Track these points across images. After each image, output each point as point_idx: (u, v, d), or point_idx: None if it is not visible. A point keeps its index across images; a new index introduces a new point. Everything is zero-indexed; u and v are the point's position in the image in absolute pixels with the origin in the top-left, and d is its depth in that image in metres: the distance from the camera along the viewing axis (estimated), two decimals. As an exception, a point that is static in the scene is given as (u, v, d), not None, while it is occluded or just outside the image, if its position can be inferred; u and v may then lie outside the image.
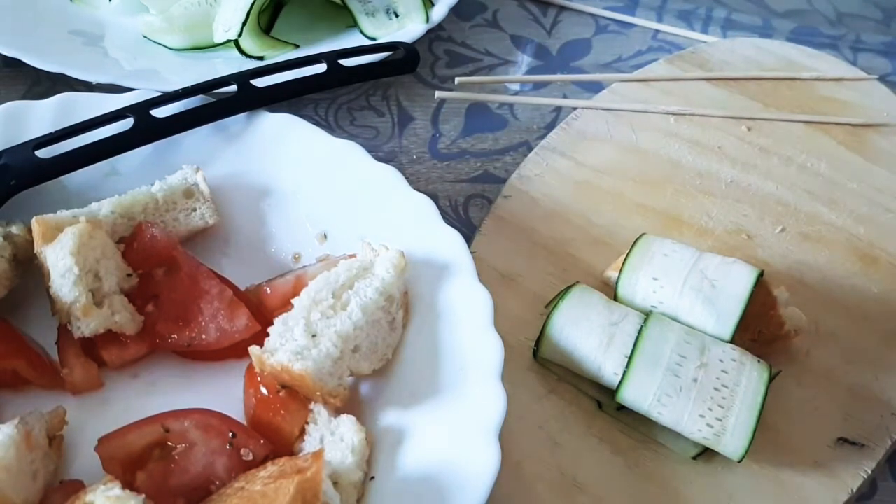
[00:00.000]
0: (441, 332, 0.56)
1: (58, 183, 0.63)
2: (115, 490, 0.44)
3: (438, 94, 0.80)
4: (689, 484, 0.56)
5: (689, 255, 0.61)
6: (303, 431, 0.54)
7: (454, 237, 0.59)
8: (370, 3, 0.85)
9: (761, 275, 0.59)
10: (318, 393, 0.52)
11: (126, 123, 0.64)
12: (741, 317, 0.57)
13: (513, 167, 0.76)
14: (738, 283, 0.58)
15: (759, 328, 0.59)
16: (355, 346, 0.54)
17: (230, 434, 0.52)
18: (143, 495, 0.45)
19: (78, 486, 0.49)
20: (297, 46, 0.84)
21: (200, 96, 0.67)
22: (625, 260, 0.62)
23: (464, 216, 0.74)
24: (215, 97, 0.67)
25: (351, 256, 0.60)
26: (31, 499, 0.48)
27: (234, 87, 0.67)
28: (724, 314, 0.57)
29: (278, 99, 0.68)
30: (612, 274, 0.63)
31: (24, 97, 0.76)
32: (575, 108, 0.81)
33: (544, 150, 0.76)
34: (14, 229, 0.59)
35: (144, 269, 0.60)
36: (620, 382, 0.55)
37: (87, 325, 0.55)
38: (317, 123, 0.67)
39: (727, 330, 0.57)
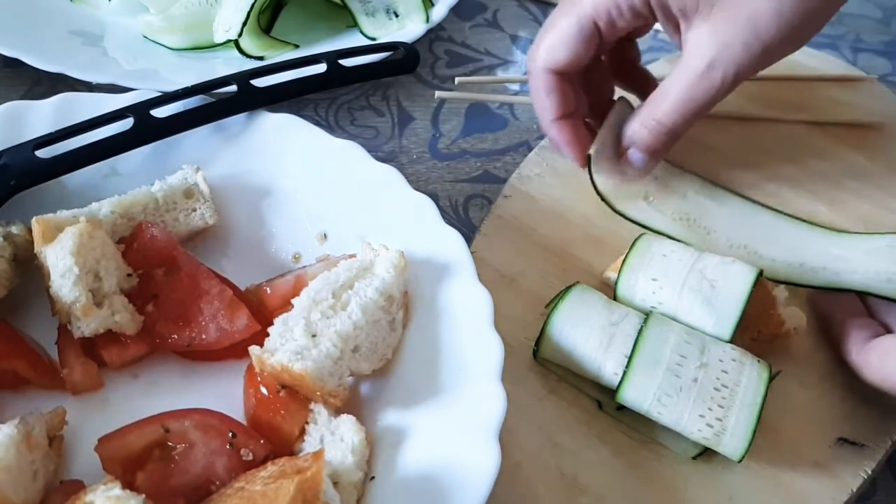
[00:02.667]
0: (441, 332, 0.56)
1: (58, 183, 0.63)
2: (116, 490, 0.44)
3: (438, 93, 0.80)
4: (689, 484, 0.56)
5: (688, 255, 0.61)
6: (303, 431, 0.54)
7: (454, 237, 0.59)
8: (370, 3, 0.85)
9: (760, 274, 0.59)
10: (318, 393, 0.52)
11: (126, 123, 0.64)
12: (740, 317, 0.57)
13: (513, 167, 0.76)
14: (736, 283, 0.58)
15: (758, 327, 0.59)
16: (355, 346, 0.54)
17: (230, 434, 0.52)
18: (143, 495, 0.45)
19: (78, 486, 0.49)
20: (297, 46, 0.84)
21: (200, 96, 0.67)
22: (624, 260, 0.62)
23: (464, 216, 0.74)
24: (215, 97, 0.67)
25: (351, 256, 0.60)
26: (32, 499, 0.48)
27: (234, 87, 0.67)
28: (724, 314, 0.57)
29: (278, 99, 0.68)
30: (611, 274, 0.63)
31: (24, 97, 0.76)
32: (575, 108, 0.80)
33: (544, 150, 0.76)
34: (14, 229, 0.59)
35: (144, 269, 0.60)
36: (620, 382, 0.55)
37: (87, 325, 0.55)
38: (317, 123, 0.67)
39: (727, 330, 0.57)
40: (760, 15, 0.56)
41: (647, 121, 0.63)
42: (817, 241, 0.67)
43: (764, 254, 0.66)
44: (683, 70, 0.59)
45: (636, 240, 0.63)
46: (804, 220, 0.69)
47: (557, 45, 0.63)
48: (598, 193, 0.69)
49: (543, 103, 0.67)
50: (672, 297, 0.59)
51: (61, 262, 0.54)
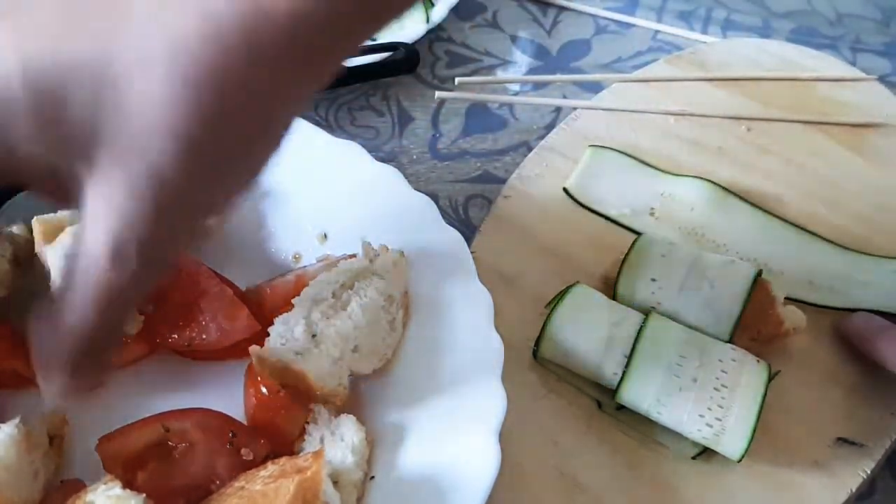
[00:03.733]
0: (441, 332, 0.56)
1: (58, 183, 0.63)
2: (116, 490, 0.44)
3: (438, 94, 0.80)
4: (688, 484, 0.56)
5: (687, 254, 0.61)
6: (303, 431, 0.54)
7: (454, 237, 0.59)
8: (370, 3, 0.85)
9: (759, 274, 0.59)
10: (318, 393, 0.52)
11: (126, 123, 0.64)
12: (740, 316, 0.57)
13: (513, 167, 0.76)
14: (736, 282, 0.58)
15: (757, 327, 0.59)
16: (355, 346, 0.54)
17: (230, 434, 0.52)
18: (144, 495, 0.45)
19: (79, 486, 0.49)
20: (297, 46, 0.84)
21: (201, 96, 0.66)
22: (623, 260, 0.62)
23: (464, 216, 0.74)
24: (215, 97, 0.67)
25: (351, 256, 0.60)
26: (32, 498, 0.48)
27: (234, 88, 0.67)
28: (723, 314, 0.57)
29: (278, 99, 0.68)
30: (612, 275, 0.63)
31: (24, 97, 0.76)
32: (575, 109, 0.81)
33: (544, 150, 0.76)
34: (15, 229, 0.59)
35: (145, 269, 0.60)
36: (620, 382, 0.56)
37: None
38: (317, 123, 0.67)
39: (726, 330, 0.57)
40: (157, 151, 0.33)
41: (61, 327, 0.38)
42: (832, 258, 0.67)
43: (774, 268, 0.66)
44: (84, 262, 0.36)
45: (635, 240, 0.63)
46: (818, 235, 0.69)
47: None
48: (565, 190, 0.71)
49: None
50: (671, 297, 0.59)
51: (61, 262, 0.54)
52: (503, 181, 0.75)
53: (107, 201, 0.35)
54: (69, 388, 0.40)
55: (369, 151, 0.64)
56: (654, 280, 0.60)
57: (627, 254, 0.62)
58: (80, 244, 0.36)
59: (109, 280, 0.36)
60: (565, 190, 0.72)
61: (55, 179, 0.36)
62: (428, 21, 0.85)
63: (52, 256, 0.55)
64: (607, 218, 0.71)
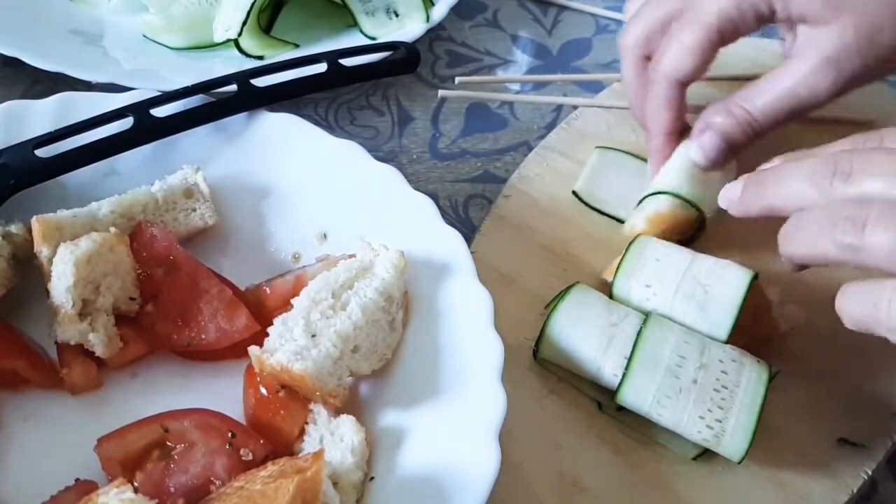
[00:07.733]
0: (441, 332, 0.56)
1: (57, 182, 0.63)
2: (128, 493, 0.44)
3: (441, 92, 0.79)
4: (689, 485, 0.56)
5: (682, 259, 0.60)
6: (302, 431, 0.54)
7: (454, 237, 0.59)
8: (370, 2, 0.85)
9: (755, 277, 0.58)
10: (317, 393, 0.52)
11: (126, 123, 0.64)
12: (734, 323, 0.56)
13: (513, 167, 0.76)
14: (730, 287, 0.57)
15: (752, 330, 0.59)
16: (355, 346, 0.54)
17: (230, 434, 0.52)
18: (156, 501, 0.45)
19: (91, 487, 0.49)
20: (296, 46, 0.84)
21: (200, 96, 0.66)
22: (618, 265, 0.61)
23: (464, 216, 0.74)
24: (215, 97, 0.67)
25: (351, 256, 0.60)
26: None
27: (233, 87, 0.67)
28: (717, 321, 0.56)
29: (278, 98, 0.68)
30: (608, 278, 0.63)
31: (23, 96, 0.76)
32: (575, 108, 0.80)
33: (544, 149, 0.76)
34: (13, 228, 0.59)
35: (144, 268, 0.60)
36: (620, 383, 0.55)
37: (62, 332, 0.54)
38: (317, 123, 0.67)
39: (721, 335, 0.56)
40: (882, 23, 0.55)
41: (734, 107, 0.60)
42: None
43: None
44: (794, 64, 0.57)
45: (630, 243, 0.62)
46: None
47: (684, 56, 0.61)
48: (574, 193, 0.71)
49: (661, 115, 0.64)
50: (665, 304, 0.58)
51: (62, 265, 0.54)
52: (503, 181, 0.75)
53: (833, 36, 0.55)
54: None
55: (369, 151, 0.64)
56: (648, 286, 0.59)
57: (623, 257, 0.62)
58: (789, 59, 0.58)
59: (807, 82, 0.58)
60: (575, 193, 0.72)
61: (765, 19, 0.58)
62: (428, 20, 0.85)
63: (60, 254, 0.55)
64: (617, 219, 0.70)
